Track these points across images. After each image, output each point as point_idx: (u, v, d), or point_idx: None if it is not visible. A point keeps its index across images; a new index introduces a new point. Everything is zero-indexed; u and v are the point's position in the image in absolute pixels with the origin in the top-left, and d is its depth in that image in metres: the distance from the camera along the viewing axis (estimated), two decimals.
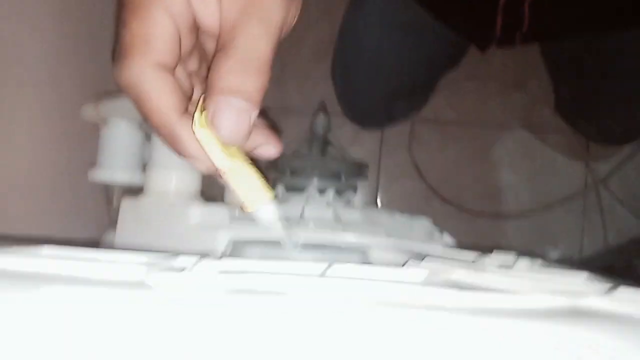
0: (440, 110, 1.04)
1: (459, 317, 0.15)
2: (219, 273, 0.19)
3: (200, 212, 0.40)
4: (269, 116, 0.80)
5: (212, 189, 0.71)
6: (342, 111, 0.95)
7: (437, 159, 1.05)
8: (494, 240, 1.03)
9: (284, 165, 0.82)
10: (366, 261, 0.36)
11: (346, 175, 0.79)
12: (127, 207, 0.46)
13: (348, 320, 0.15)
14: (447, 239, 0.66)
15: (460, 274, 0.24)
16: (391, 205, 1.03)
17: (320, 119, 0.83)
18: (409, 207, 1.03)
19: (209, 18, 0.26)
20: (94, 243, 0.53)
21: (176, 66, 0.26)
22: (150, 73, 0.24)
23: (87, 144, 0.56)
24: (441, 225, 0.85)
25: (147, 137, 0.54)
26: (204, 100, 0.24)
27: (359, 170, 0.81)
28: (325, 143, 0.82)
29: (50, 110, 0.53)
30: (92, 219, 0.60)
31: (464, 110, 1.05)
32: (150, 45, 0.24)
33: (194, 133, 0.24)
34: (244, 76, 0.23)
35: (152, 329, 0.15)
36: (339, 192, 0.76)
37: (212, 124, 0.23)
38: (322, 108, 0.85)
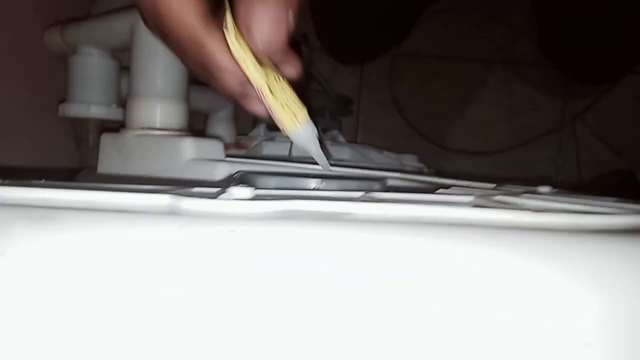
0: (421, 43, 1.01)
1: (562, 236, 0.13)
2: (253, 199, 0.17)
3: (194, 146, 0.37)
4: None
5: (197, 124, 0.67)
6: (320, 45, 0.90)
7: (417, 95, 1.02)
8: (473, 177, 1.03)
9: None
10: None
11: (331, 112, 0.76)
12: (109, 144, 0.42)
13: (432, 235, 0.13)
14: (433, 173, 0.65)
15: (505, 199, 0.22)
16: (372, 142, 1.01)
17: (303, 52, 0.78)
18: (389, 144, 1.02)
19: None
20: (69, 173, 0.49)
21: None
22: None
23: (54, 75, 0.51)
24: (416, 153, 0.84)
25: (122, 66, 0.49)
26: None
27: (344, 105, 0.77)
28: (307, 77, 0.78)
29: (9, 39, 0.47)
30: (62, 157, 0.55)
31: (445, 43, 1.02)
32: None
33: (224, 41, 0.21)
34: None
35: (201, 257, 0.12)
36: (323, 129, 0.73)
37: (245, 27, 0.20)
38: (304, 40, 0.80)
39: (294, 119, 0.22)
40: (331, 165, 0.37)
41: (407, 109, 1.02)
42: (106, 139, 0.42)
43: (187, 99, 0.43)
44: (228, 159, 0.38)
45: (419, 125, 1.02)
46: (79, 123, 0.49)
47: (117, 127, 0.45)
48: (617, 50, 0.93)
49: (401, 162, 0.65)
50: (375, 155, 0.65)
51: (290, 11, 0.20)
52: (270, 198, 0.18)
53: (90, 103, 0.46)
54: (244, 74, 0.21)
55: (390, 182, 0.32)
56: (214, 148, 0.38)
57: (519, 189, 0.30)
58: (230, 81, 0.22)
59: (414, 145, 1.03)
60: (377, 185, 0.27)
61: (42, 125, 0.51)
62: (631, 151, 1.02)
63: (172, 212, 0.14)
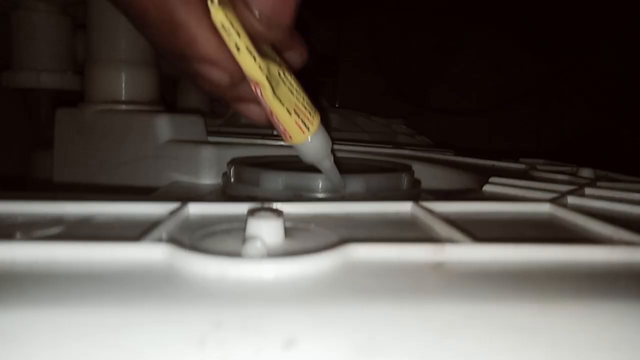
0: None
1: None
2: (290, 254, 0.12)
3: (172, 125, 0.31)
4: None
5: (174, 95, 0.60)
6: None
7: (398, 51, 0.96)
8: (456, 138, 1.00)
9: None
10: None
11: (312, 73, 0.69)
12: (65, 121, 0.35)
13: None
14: (426, 140, 0.62)
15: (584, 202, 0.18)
16: (350, 103, 0.96)
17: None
18: (368, 104, 0.96)
19: None
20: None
21: None
22: None
23: None
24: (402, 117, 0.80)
25: (76, 24, 0.41)
26: None
27: (326, 65, 0.71)
28: None
29: None
30: (11, 130, 0.47)
31: None
32: None
33: (210, 20, 0.14)
34: None
35: None
36: None
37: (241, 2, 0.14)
38: None
39: (302, 128, 0.17)
40: None
41: (388, 66, 0.96)
42: (62, 116, 0.35)
43: (157, 64, 0.36)
44: (211, 139, 0.32)
45: (400, 83, 0.97)
46: (29, 92, 0.41)
47: (74, 98, 0.38)
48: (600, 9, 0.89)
49: (391, 128, 0.60)
50: (363, 122, 0.60)
51: None
52: (302, 230, 0.13)
53: (39, 71, 0.39)
54: (237, 65, 0.15)
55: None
56: (195, 126, 0.32)
57: (564, 176, 0.26)
58: (218, 76, 0.16)
59: (395, 104, 0.98)
60: (405, 180, 0.22)
61: None
62: (614, 107, 1.01)
63: (174, 283, 0.09)
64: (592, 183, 0.23)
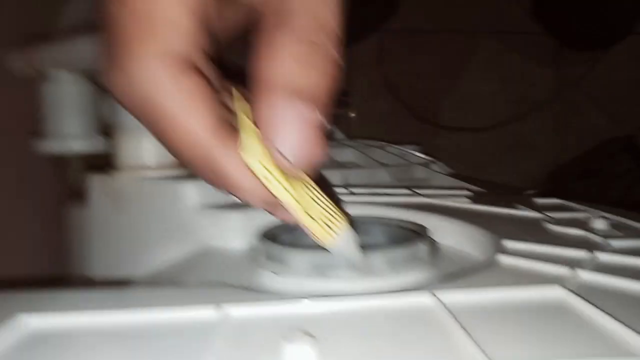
0: (410, 18, 0.96)
1: None
2: None
3: (198, 192, 0.32)
4: None
5: None
6: None
7: (408, 73, 0.98)
8: (472, 155, 1.01)
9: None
10: None
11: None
12: (98, 186, 0.37)
13: None
14: (442, 166, 0.62)
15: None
16: (364, 129, 0.97)
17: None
18: (382, 128, 0.98)
19: None
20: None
21: (204, 56, 0.17)
22: (169, 72, 0.15)
23: (24, 105, 0.45)
24: (416, 141, 0.81)
25: (101, 90, 0.44)
26: (251, 106, 0.16)
27: (340, 98, 0.72)
28: None
29: None
30: (43, 197, 0.50)
31: (434, 16, 0.97)
32: (167, 28, 0.15)
33: (241, 158, 0.16)
34: (314, 64, 0.15)
35: None
36: None
37: (268, 141, 0.15)
38: None
39: (329, 232, 0.18)
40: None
41: (399, 88, 0.98)
42: (94, 182, 0.38)
43: None
44: (237, 201, 0.34)
45: (412, 104, 0.98)
46: (61, 158, 0.44)
47: (103, 162, 0.40)
48: (612, 14, 0.89)
49: (406, 159, 0.61)
50: (379, 155, 0.61)
51: (324, 116, 0.15)
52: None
53: (70, 137, 0.41)
54: (268, 191, 0.16)
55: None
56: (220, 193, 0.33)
57: (577, 231, 0.27)
58: (252, 200, 0.17)
59: (408, 125, 0.99)
60: (423, 250, 0.23)
61: (21, 161, 0.46)
62: (628, 116, 1.00)
63: None
64: (605, 245, 0.23)
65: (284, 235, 0.28)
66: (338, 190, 0.41)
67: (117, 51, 0.15)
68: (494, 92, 0.99)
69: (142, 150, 0.36)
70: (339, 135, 0.70)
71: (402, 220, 0.29)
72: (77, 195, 0.42)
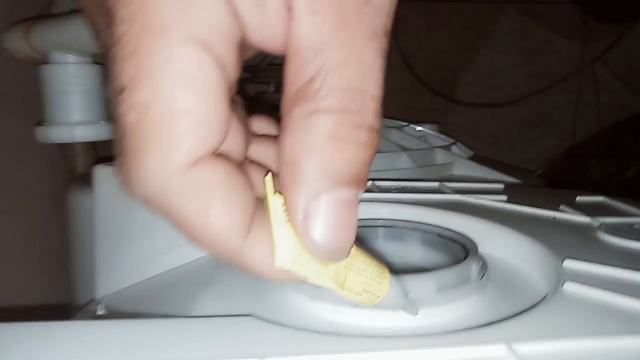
0: None
1: None
2: None
3: None
4: None
5: None
6: None
7: (425, 45, 0.93)
8: (488, 131, 0.97)
9: (266, 77, 0.69)
10: None
11: None
12: (104, 179, 0.35)
13: None
14: (464, 149, 0.59)
15: None
16: None
17: None
18: (397, 102, 0.94)
19: (269, 32, 0.13)
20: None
21: (226, 144, 0.14)
22: (189, 179, 0.13)
23: (24, 89, 0.42)
24: (433, 118, 0.77)
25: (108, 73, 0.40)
26: (280, 193, 0.14)
27: None
28: None
29: None
30: (48, 189, 0.47)
31: None
32: (186, 120, 0.12)
33: (269, 251, 0.14)
34: (350, 138, 0.13)
35: None
36: None
37: (305, 236, 0.13)
38: None
39: (372, 299, 0.16)
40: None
41: (414, 61, 0.93)
42: (100, 173, 0.35)
43: None
44: None
45: (427, 78, 0.94)
46: (65, 145, 0.41)
47: (108, 147, 0.37)
48: None
49: (427, 142, 0.58)
50: (397, 136, 0.58)
51: (360, 195, 0.13)
52: None
53: (73, 124, 0.38)
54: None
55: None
56: None
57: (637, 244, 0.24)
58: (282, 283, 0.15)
59: (424, 101, 0.95)
60: (475, 270, 0.21)
61: (24, 150, 0.43)
62: None
63: None
64: None
65: None
66: None
67: (136, 148, 0.12)
68: (514, 65, 0.95)
69: None
70: None
71: (443, 228, 0.26)
72: (83, 187, 0.40)
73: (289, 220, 0.13)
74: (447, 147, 0.57)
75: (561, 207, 0.30)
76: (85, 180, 0.40)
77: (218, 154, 0.13)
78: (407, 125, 0.62)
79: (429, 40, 0.93)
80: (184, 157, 0.13)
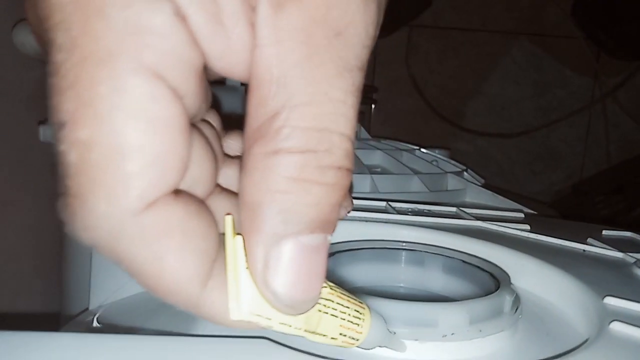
0: (441, 14, 0.90)
1: None
2: None
3: None
4: None
5: None
6: None
7: (436, 71, 0.93)
8: (496, 161, 0.96)
9: None
10: None
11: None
12: None
13: None
14: (476, 176, 0.58)
15: None
16: (386, 127, 0.93)
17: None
18: (405, 127, 0.93)
19: (233, 60, 0.12)
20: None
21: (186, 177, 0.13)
22: (141, 225, 0.11)
23: (31, 88, 0.41)
24: (441, 144, 0.76)
25: None
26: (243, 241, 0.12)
27: (365, 94, 0.68)
28: None
29: None
30: (48, 191, 0.46)
31: (466, 14, 0.92)
32: (137, 159, 0.11)
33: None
34: (314, 179, 0.11)
35: None
36: None
37: (264, 286, 0.12)
38: None
39: (351, 342, 0.14)
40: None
41: (425, 87, 0.93)
42: None
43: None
44: None
45: (437, 105, 0.93)
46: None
47: None
48: None
49: (439, 166, 0.57)
50: (408, 159, 0.57)
51: (329, 236, 0.12)
52: None
53: None
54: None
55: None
56: None
57: None
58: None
59: (433, 127, 0.94)
60: (509, 303, 0.19)
61: (24, 152, 0.42)
62: None
63: None
64: None
65: (333, 259, 0.23)
66: (376, 204, 0.36)
67: (79, 200, 0.11)
68: (525, 97, 0.94)
69: None
70: (363, 134, 0.65)
71: (468, 254, 0.24)
72: None
73: (249, 272, 0.12)
74: (459, 173, 0.56)
75: (589, 240, 0.29)
76: None
77: (177, 192, 0.12)
78: (419, 149, 0.61)
79: (440, 66, 0.93)
80: (135, 201, 0.11)
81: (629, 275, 0.24)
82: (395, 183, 0.48)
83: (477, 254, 0.25)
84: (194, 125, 0.13)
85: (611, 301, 0.19)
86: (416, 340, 0.17)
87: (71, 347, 0.15)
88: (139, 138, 0.11)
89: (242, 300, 0.12)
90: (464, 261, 0.24)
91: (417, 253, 0.25)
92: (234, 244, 0.12)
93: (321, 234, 0.12)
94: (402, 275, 0.25)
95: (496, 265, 0.23)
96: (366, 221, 0.30)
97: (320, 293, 0.12)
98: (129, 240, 0.11)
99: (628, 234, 0.32)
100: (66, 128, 0.10)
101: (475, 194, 0.52)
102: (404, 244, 0.26)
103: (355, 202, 0.36)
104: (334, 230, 0.12)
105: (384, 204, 0.36)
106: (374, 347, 0.16)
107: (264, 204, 0.11)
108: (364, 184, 0.48)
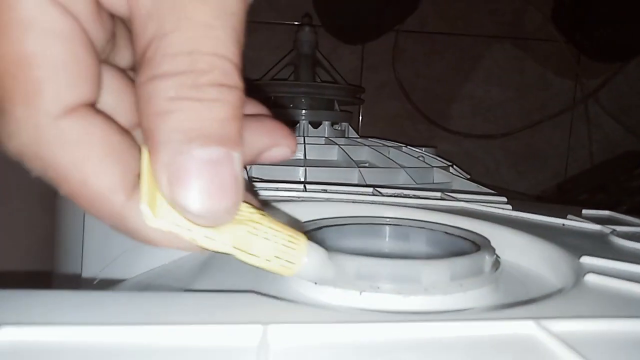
0: (426, 19, 0.92)
1: None
2: None
3: None
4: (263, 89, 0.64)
5: None
6: (321, 23, 0.81)
7: (421, 74, 0.94)
8: (481, 161, 0.97)
9: (267, 94, 0.69)
10: None
11: (341, 103, 0.67)
12: None
13: None
14: (461, 172, 0.59)
15: None
16: (375, 129, 0.94)
17: (307, 35, 0.68)
18: (393, 129, 0.94)
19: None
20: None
21: (99, 96, 0.14)
22: (60, 129, 0.13)
23: None
24: (432, 145, 0.77)
25: None
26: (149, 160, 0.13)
27: (354, 95, 0.69)
28: (313, 63, 0.69)
29: None
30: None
31: (451, 17, 0.94)
32: (43, 66, 0.12)
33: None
34: (199, 96, 0.12)
35: None
36: (333, 123, 0.65)
37: (172, 199, 0.12)
38: (307, 21, 0.71)
39: (287, 266, 0.15)
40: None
41: (411, 90, 0.94)
42: None
43: None
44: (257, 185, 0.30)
45: (424, 107, 0.95)
46: None
47: None
48: (633, 27, 0.87)
49: (425, 161, 0.58)
50: (395, 155, 0.58)
51: (235, 152, 0.13)
52: None
53: None
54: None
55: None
56: None
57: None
58: (181, 248, 0.14)
59: (420, 129, 0.96)
60: (489, 262, 0.20)
61: None
62: None
63: None
64: None
65: (320, 233, 0.24)
66: (363, 189, 0.37)
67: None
68: (509, 99, 0.96)
69: None
70: (352, 133, 0.66)
71: (452, 226, 0.25)
72: None
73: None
74: (445, 168, 0.57)
75: (569, 216, 0.30)
76: None
77: (98, 111, 0.13)
78: (405, 146, 0.62)
79: (426, 70, 0.94)
80: (49, 105, 0.12)
81: (606, 242, 0.24)
82: (383, 176, 0.49)
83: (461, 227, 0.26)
84: (109, 63, 0.16)
85: (587, 260, 0.20)
86: (400, 294, 0.18)
87: (58, 303, 0.15)
88: (39, 46, 0.12)
89: (157, 206, 0.13)
90: (446, 232, 0.25)
91: (401, 227, 0.26)
92: (147, 158, 0.13)
93: (218, 147, 0.12)
94: (386, 248, 0.26)
95: (478, 234, 0.24)
96: (353, 202, 0.31)
97: (235, 207, 0.13)
98: (51, 144, 0.12)
99: (607, 212, 0.33)
100: None
101: (462, 187, 0.53)
102: (388, 219, 0.27)
103: (342, 188, 0.37)
104: (237, 146, 0.13)
105: (370, 189, 0.37)
106: (318, 279, 0.16)
107: (154, 127, 0.12)
108: (351, 177, 0.48)
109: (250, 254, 0.14)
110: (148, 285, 0.25)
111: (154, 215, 0.13)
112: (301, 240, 0.15)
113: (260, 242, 0.14)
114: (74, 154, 0.13)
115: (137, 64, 0.13)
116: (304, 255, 0.15)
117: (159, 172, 0.12)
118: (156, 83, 0.12)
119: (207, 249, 0.14)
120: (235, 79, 0.13)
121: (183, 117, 0.12)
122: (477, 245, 0.22)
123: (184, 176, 0.12)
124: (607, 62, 0.94)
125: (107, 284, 0.26)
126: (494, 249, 0.21)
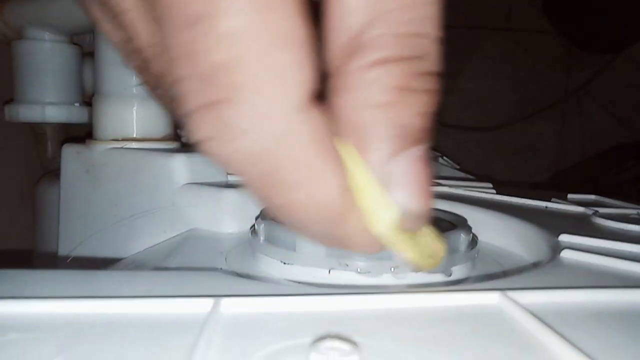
0: None
1: None
2: None
3: (188, 167, 0.28)
4: None
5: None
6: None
7: None
8: (473, 154, 0.97)
9: None
10: None
11: None
12: (72, 159, 0.33)
13: None
14: (450, 162, 0.59)
15: None
16: None
17: None
18: None
19: None
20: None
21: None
22: (305, 115, 0.10)
23: None
24: None
25: (84, 52, 0.39)
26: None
27: None
28: None
29: None
30: (20, 167, 0.45)
31: (442, 10, 0.93)
32: (291, 47, 0.10)
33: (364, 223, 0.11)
34: (421, 89, 0.11)
35: None
36: None
37: (395, 203, 0.11)
38: None
39: (437, 260, 0.14)
40: None
41: None
42: (68, 152, 0.33)
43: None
44: (232, 179, 0.30)
45: None
46: (36, 125, 0.39)
47: (82, 134, 0.35)
48: (625, 18, 0.87)
49: None
50: None
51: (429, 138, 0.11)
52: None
53: (44, 104, 0.36)
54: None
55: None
56: (214, 166, 0.29)
57: (634, 226, 0.23)
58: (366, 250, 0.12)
59: None
60: (465, 240, 0.19)
61: None
62: (636, 122, 0.97)
63: None
64: None
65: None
66: None
67: (231, 102, 0.10)
68: (500, 91, 0.96)
69: (124, 118, 0.31)
70: None
71: (438, 210, 0.24)
72: (52, 169, 0.38)
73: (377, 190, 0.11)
74: (434, 158, 0.56)
75: (553, 199, 0.29)
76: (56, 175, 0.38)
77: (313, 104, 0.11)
78: None
79: None
80: (298, 93, 0.10)
81: (587, 222, 0.24)
82: None
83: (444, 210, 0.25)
84: None
85: (565, 237, 0.20)
86: (369, 272, 0.17)
87: (36, 280, 0.15)
88: (285, 24, 0.09)
89: (382, 212, 0.11)
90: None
91: None
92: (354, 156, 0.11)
93: (425, 142, 0.11)
94: None
95: (456, 214, 0.23)
96: None
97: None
98: (293, 141, 0.10)
99: (592, 196, 0.33)
100: (204, 22, 0.09)
101: (450, 175, 0.52)
102: None
103: None
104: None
105: None
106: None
107: (372, 121, 0.11)
108: None
109: (419, 255, 0.13)
110: (144, 264, 0.24)
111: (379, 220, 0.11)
112: (441, 237, 0.15)
113: (423, 242, 0.13)
114: (309, 152, 0.10)
115: (339, 49, 0.11)
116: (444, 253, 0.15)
117: (381, 172, 0.11)
118: (380, 69, 0.10)
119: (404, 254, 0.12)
120: (437, 65, 0.11)
121: (407, 110, 0.11)
122: (454, 224, 0.21)
123: (406, 177, 0.11)
124: (599, 53, 0.94)
125: (79, 262, 0.25)
126: (470, 228, 0.20)
